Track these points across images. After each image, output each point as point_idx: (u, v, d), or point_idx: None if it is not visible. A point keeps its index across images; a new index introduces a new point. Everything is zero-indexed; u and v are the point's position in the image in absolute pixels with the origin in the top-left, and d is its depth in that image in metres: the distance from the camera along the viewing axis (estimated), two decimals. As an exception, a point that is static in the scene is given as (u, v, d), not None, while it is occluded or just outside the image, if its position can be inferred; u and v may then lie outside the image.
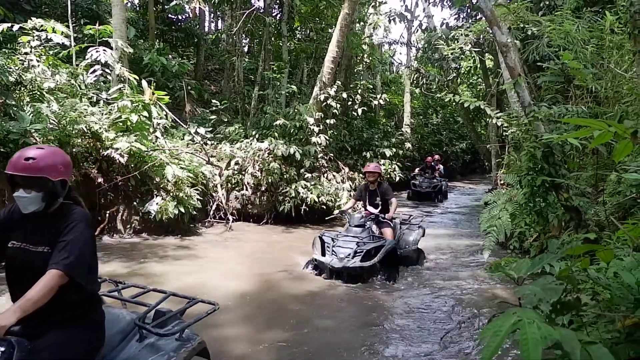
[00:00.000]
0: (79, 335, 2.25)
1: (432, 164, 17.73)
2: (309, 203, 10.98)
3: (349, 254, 6.21)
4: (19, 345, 2.02)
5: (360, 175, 13.93)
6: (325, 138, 12.12)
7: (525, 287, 1.89)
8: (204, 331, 3.86)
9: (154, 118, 9.86)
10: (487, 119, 16.25)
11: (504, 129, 9.01)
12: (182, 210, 8.95)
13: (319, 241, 6.75)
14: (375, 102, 15.81)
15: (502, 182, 12.31)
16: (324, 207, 11.23)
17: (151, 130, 9.86)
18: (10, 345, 2.00)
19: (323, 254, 6.58)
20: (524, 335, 1.38)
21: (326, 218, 9.47)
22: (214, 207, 10.80)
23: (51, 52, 9.90)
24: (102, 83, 10.71)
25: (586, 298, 2.55)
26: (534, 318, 1.45)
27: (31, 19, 9.44)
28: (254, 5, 17.00)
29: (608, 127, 1.65)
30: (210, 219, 10.71)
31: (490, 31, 6.87)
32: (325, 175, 12.08)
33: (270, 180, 11.06)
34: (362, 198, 7.64)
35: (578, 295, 2.00)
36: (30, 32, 9.24)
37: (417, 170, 17.63)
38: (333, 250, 6.39)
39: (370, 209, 7.32)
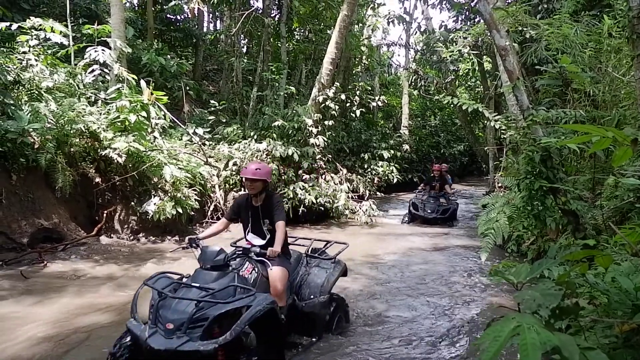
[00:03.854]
0: None
1: (441, 173, 12.82)
2: (306, 204, 11.01)
3: (182, 324, 3.26)
4: None
5: (358, 177, 13.91)
6: (324, 139, 12.14)
7: (525, 292, 1.89)
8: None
9: (152, 118, 9.86)
10: (485, 122, 16.28)
11: (501, 131, 9.04)
12: (180, 210, 8.94)
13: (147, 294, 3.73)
14: (374, 104, 15.90)
15: (499, 185, 12.33)
16: (322, 208, 11.33)
17: (149, 130, 9.86)
18: None
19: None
20: (524, 340, 1.39)
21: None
22: (211, 208, 10.80)
23: (49, 52, 9.90)
24: (100, 83, 10.71)
25: (583, 303, 2.56)
26: (533, 323, 1.46)
27: (30, 18, 9.45)
28: (253, 6, 17.00)
29: (607, 133, 1.66)
30: (208, 219, 10.70)
31: (489, 34, 6.89)
32: (324, 176, 12.10)
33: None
34: (241, 218, 4.64)
35: (577, 301, 2.01)
36: (28, 31, 9.25)
37: (420, 186, 13.38)
38: (157, 316, 3.42)
39: (253, 238, 4.47)
